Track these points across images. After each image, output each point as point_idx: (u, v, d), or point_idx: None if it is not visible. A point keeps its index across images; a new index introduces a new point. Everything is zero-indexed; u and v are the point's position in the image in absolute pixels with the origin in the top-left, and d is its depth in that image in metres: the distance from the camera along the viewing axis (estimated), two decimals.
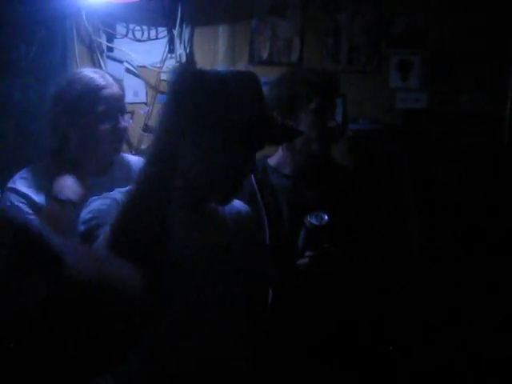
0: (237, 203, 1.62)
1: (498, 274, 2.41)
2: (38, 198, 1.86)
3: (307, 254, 1.91)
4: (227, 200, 1.50)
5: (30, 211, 1.84)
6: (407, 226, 2.56)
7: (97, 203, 1.41)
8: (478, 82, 2.52)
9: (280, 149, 2.16)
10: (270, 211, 2.07)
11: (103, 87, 1.90)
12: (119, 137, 1.96)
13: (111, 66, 2.61)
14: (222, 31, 2.62)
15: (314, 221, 1.86)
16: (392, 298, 2.29)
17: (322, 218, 1.86)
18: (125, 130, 1.97)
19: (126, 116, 2.01)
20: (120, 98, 1.96)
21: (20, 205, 1.85)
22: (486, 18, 2.49)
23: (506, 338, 2.28)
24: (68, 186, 1.86)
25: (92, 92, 1.89)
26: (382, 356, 2.21)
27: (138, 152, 2.66)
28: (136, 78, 2.63)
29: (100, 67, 2.57)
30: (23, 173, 1.94)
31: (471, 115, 2.53)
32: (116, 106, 1.92)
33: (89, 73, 1.94)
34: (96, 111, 1.88)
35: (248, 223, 1.61)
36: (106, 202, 1.40)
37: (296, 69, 2.29)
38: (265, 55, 2.61)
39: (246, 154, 1.42)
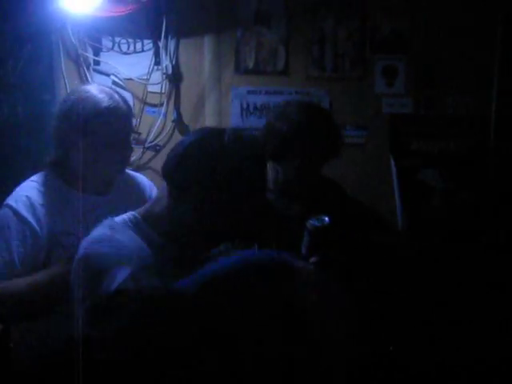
0: None
1: (490, 274, 2.42)
2: (38, 224, 1.83)
3: (312, 259, 1.91)
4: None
5: (30, 238, 1.83)
6: (398, 230, 2.57)
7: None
8: (463, 85, 2.54)
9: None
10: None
11: (111, 110, 1.84)
12: (124, 159, 1.94)
13: (98, 79, 2.62)
14: (208, 41, 2.63)
15: (315, 223, 1.88)
16: (390, 298, 2.30)
17: (323, 220, 1.88)
18: (131, 151, 1.96)
19: (133, 135, 1.99)
20: (126, 121, 1.91)
21: (20, 231, 1.82)
22: (468, 21, 2.52)
23: (503, 339, 2.28)
24: None
25: (98, 115, 1.83)
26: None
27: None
28: (123, 91, 2.64)
29: (87, 81, 2.58)
30: (24, 189, 1.88)
31: (457, 118, 2.55)
32: (123, 128, 1.89)
33: (97, 92, 1.87)
34: (101, 135, 1.85)
35: None
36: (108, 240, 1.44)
37: (294, 107, 2.12)
38: (250, 64, 2.63)
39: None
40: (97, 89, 1.90)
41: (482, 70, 2.53)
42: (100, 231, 1.45)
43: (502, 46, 2.51)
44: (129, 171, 2.18)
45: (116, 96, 1.89)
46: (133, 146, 1.95)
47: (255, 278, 1.14)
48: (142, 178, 2.16)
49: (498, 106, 2.50)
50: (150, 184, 2.15)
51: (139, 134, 2.40)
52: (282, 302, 1.11)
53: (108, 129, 1.85)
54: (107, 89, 1.93)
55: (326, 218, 1.87)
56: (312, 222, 1.87)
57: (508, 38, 2.50)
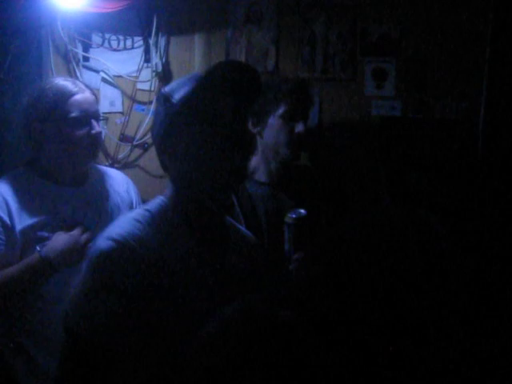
0: (247, 233, 1.61)
1: (477, 277, 2.43)
2: (11, 220, 1.84)
3: (295, 257, 1.90)
4: (225, 199, 1.44)
5: (3, 235, 1.82)
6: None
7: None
8: (452, 90, 2.54)
9: (254, 157, 2.17)
10: (247, 219, 2.08)
11: (75, 93, 1.90)
12: (94, 142, 1.95)
13: (87, 75, 2.61)
14: (198, 40, 2.62)
15: (292, 215, 1.89)
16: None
17: (300, 213, 1.89)
18: (99, 135, 1.97)
19: (101, 122, 2.01)
20: (93, 104, 1.95)
21: None
22: (458, 26, 2.52)
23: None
24: (61, 250, 1.83)
25: (64, 99, 1.89)
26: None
27: (114, 162, 2.65)
28: (112, 88, 2.63)
29: (76, 77, 2.57)
30: None
31: (445, 122, 2.55)
32: (89, 112, 1.92)
33: (60, 80, 1.95)
34: (69, 117, 1.88)
35: (253, 249, 1.57)
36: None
37: (269, 77, 2.32)
38: None
39: (230, 149, 1.36)
40: (59, 79, 1.99)
41: (472, 75, 2.54)
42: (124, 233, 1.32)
43: (491, 52, 2.52)
44: (103, 166, 2.20)
45: (79, 82, 1.97)
46: (113, 140, 1.96)
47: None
48: (116, 172, 2.19)
49: (487, 110, 2.51)
50: (125, 178, 2.17)
51: (106, 118, 2.40)
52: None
53: (73, 112, 1.87)
54: (70, 78, 2.05)
55: (302, 211, 1.88)
56: (289, 215, 1.88)
57: (498, 43, 2.51)
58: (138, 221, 1.34)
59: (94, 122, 1.93)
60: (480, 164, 2.55)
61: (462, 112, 2.53)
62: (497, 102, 2.51)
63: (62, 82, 1.94)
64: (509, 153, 2.49)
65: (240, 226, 1.63)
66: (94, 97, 1.97)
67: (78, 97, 1.90)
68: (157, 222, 1.36)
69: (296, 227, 1.89)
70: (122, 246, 1.27)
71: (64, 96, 1.89)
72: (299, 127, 2.11)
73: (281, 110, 2.11)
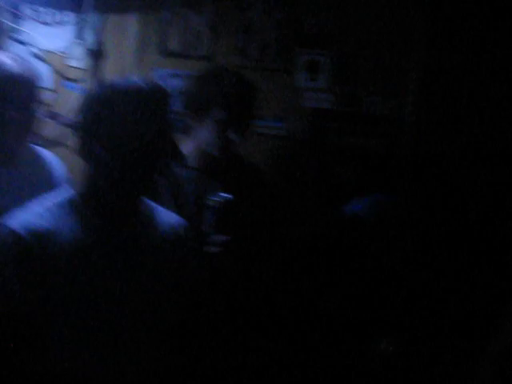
0: (170, 216, 1.60)
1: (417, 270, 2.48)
2: None
3: (217, 239, 1.90)
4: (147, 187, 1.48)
5: None
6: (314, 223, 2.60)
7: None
8: (383, 86, 2.58)
9: (187, 142, 2.16)
10: (176, 201, 2.07)
11: (16, 73, 1.82)
12: (28, 126, 1.90)
13: (15, 48, 2.53)
14: (133, 20, 2.58)
15: (217, 199, 1.89)
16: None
17: (223, 197, 1.90)
18: (34, 118, 1.91)
19: (38, 104, 1.95)
20: (33, 86, 1.89)
21: None
22: (393, 23, 2.56)
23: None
24: None
25: (4, 78, 1.81)
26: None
27: (40, 139, 2.58)
28: (41, 63, 2.56)
29: (3, 49, 2.48)
30: None
31: (375, 117, 2.59)
32: (28, 94, 1.86)
33: (4, 58, 1.85)
34: (6, 97, 1.81)
35: (180, 237, 1.59)
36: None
37: (218, 69, 2.20)
38: (175, 47, 2.59)
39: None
40: (4, 55, 1.88)
41: (403, 73, 2.58)
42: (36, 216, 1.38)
43: (423, 50, 2.56)
44: (36, 147, 2.13)
45: (21, 62, 1.89)
46: (41, 117, 1.94)
47: None
48: (49, 154, 2.12)
49: (414, 109, 2.56)
50: (57, 161, 2.10)
51: (44, 104, 2.35)
52: None
53: (11, 92, 1.81)
54: (14, 56, 1.93)
55: (226, 195, 1.89)
56: (214, 199, 1.89)
57: (430, 42, 2.56)
58: (39, 209, 1.39)
59: (30, 105, 1.87)
60: (406, 160, 2.60)
61: (391, 109, 2.57)
62: (425, 102, 2.57)
63: (3, 59, 1.85)
64: (433, 152, 2.56)
65: (161, 215, 1.59)
66: (34, 77, 1.90)
67: (18, 78, 1.82)
68: (59, 211, 1.39)
69: (217, 210, 1.89)
70: (7, 233, 1.34)
71: (3, 75, 1.81)
72: (235, 138, 2.03)
73: (218, 115, 2.01)
